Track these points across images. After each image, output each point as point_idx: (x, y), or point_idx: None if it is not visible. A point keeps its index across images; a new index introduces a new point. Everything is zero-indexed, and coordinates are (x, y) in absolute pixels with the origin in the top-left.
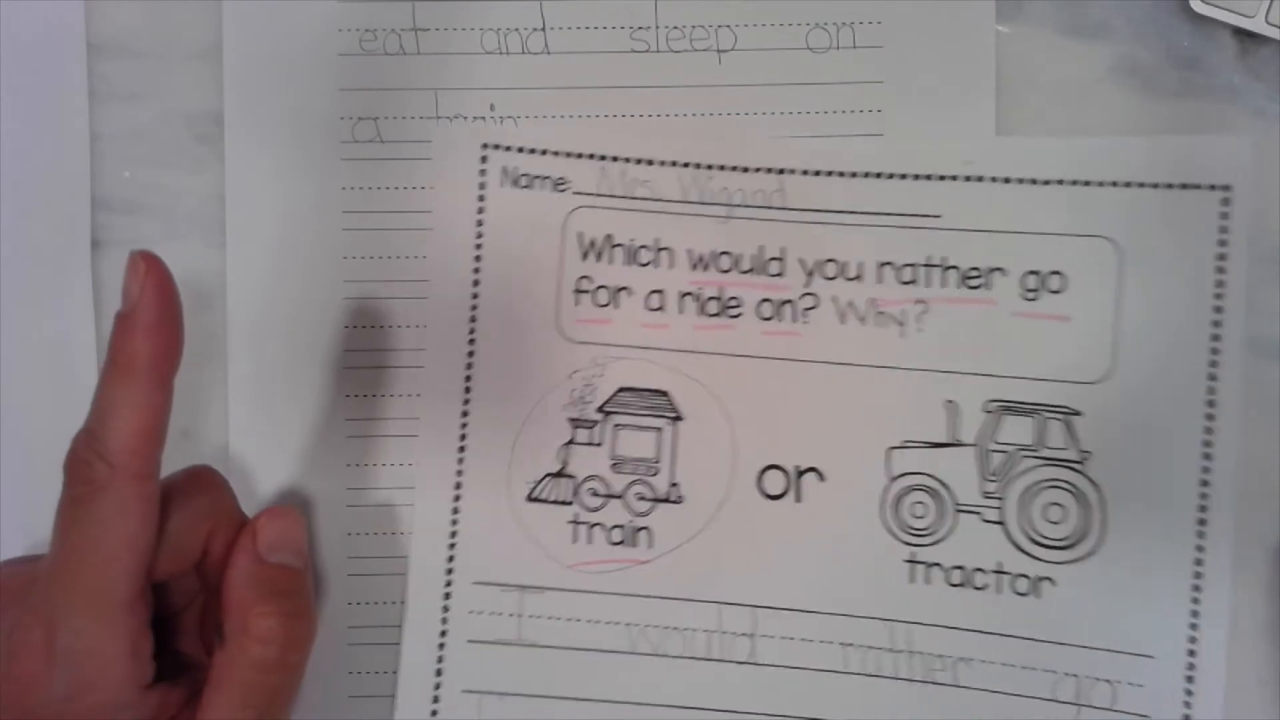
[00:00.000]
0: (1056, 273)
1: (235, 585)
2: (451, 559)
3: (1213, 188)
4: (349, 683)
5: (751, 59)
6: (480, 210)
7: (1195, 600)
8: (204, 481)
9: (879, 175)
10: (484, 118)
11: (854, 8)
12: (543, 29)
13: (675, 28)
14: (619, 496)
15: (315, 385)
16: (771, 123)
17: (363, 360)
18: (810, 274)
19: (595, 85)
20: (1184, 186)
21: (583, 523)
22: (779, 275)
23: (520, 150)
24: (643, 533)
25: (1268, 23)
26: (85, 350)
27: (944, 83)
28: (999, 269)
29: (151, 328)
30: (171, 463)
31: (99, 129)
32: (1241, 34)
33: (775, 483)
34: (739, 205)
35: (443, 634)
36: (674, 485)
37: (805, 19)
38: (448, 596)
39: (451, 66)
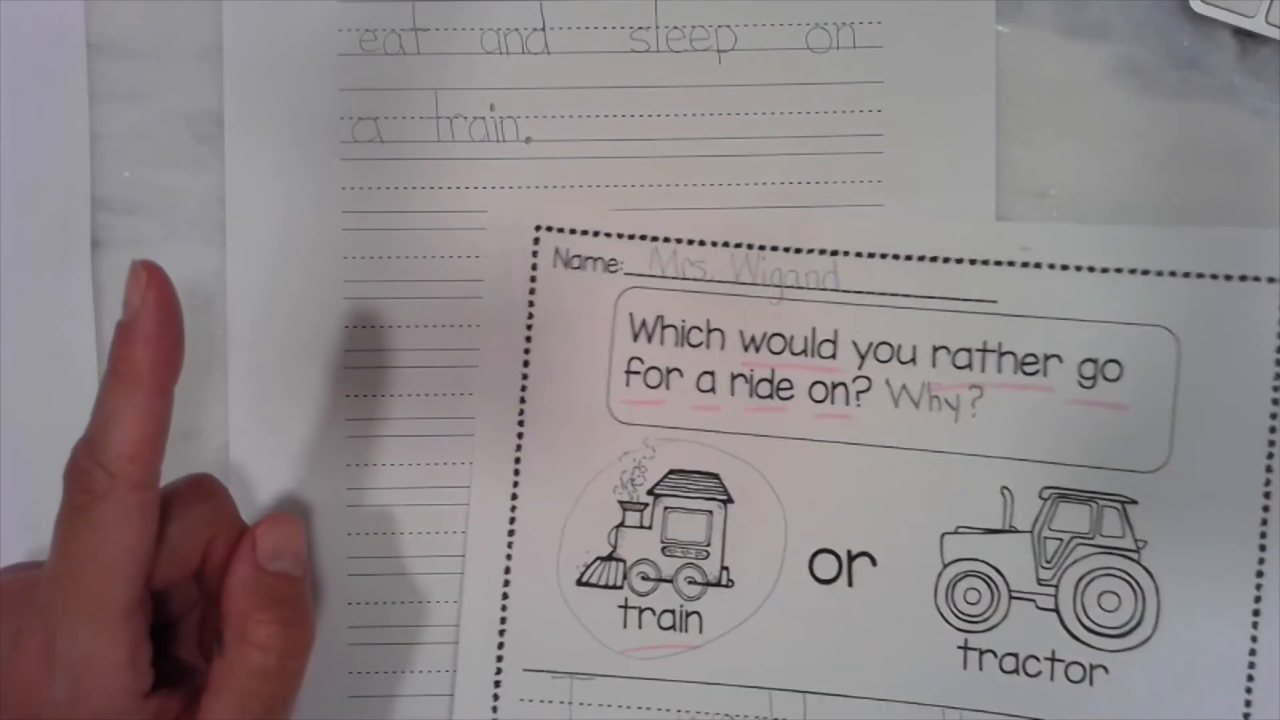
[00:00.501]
0: (1114, 361)
1: (235, 593)
2: (502, 644)
3: (1271, 280)
4: (349, 683)
5: (751, 59)
6: (532, 291)
7: (1249, 690)
8: (204, 489)
9: (934, 259)
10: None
11: (854, 8)
12: (543, 29)
13: (675, 28)
14: (669, 580)
15: (315, 385)
16: (771, 123)
17: (363, 360)
18: (864, 356)
19: (595, 85)
20: (1242, 279)
21: (633, 607)
22: (832, 357)
23: (573, 232)
24: (693, 617)
25: (1268, 23)
26: (85, 350)
27: (944, 83)
28: (1055, 356)
29: (153, 336)
30: (171, 463)
31: (99, 129)
32: (1241, 34)
33: (827, 567)
34: (791, 286)
35: None
36: (725, 569)
37: (805, 19)
38: (498, 684)
39: (451, 66)
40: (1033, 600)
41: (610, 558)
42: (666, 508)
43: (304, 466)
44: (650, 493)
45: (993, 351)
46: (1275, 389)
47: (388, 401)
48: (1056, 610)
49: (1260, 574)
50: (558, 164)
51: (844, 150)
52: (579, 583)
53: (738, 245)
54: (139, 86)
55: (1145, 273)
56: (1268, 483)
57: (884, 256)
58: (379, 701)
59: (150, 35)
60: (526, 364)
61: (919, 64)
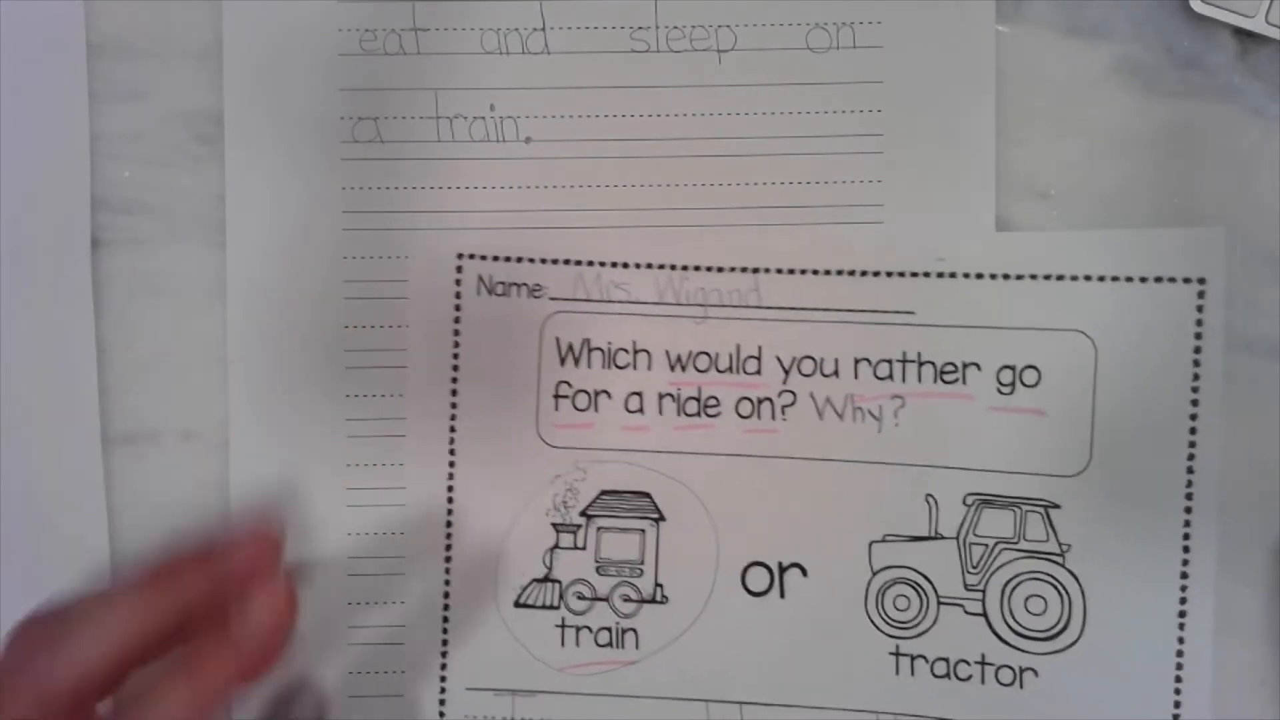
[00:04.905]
0: (1031, 367)
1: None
2: (444, 665)
3: (1187, 281)
4: (349, 683)
5: (751, 59)
6: (457, 319)
7: (1178, 690)
8: None
9: (851, 273)
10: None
11: (854, 8)
12: (543, 29)
13: (675, 28)
14: (605, 599)
15: (315, 385)
16: (771, 123)
17: (363, 360)
18: (787, 371)
19: (595, 85)
20: (1159, 280)
21: (570, 626)
22: (756, 373)
23: (495, 259)
24: (629, 634)
25: (1268, 23)
26: (85, 350)
27: (944, 83)
28: (974, 364)
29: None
30: (173, 462)
31: (99, 129)
32: (1241, 34)
33: (759, 579)
34: (715, 305)
35: None
36: (659, 586)
37: (805, 19)
38: (443, 703)
39: (451, 66)
40: (961, 605)
41: (546, 579)
42: (600, 528)
43: (304, 466)
44: (583, 514)
45: (912, 362)
46: (1194, 389)
47: (388, 401)
48: (985, 615)
49: (1185, 575)
50: (558, 164)
51: (844, 150)
52: (517, 604)
53: (661, 266)
54: (139, 86)
55: (1060, 278)
56: (1189, 484)
57: (804, 272)
58: (379, 701)
59: (150, 35)
60: (455, 392)
61: (919, 64)
